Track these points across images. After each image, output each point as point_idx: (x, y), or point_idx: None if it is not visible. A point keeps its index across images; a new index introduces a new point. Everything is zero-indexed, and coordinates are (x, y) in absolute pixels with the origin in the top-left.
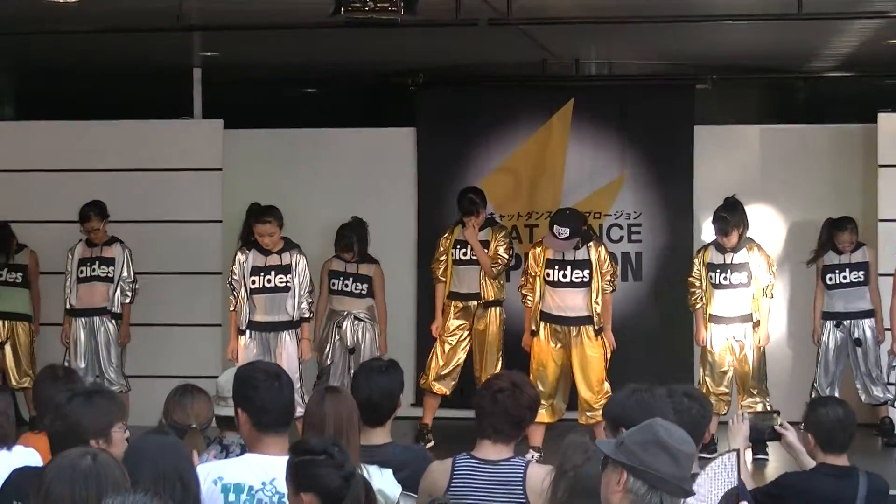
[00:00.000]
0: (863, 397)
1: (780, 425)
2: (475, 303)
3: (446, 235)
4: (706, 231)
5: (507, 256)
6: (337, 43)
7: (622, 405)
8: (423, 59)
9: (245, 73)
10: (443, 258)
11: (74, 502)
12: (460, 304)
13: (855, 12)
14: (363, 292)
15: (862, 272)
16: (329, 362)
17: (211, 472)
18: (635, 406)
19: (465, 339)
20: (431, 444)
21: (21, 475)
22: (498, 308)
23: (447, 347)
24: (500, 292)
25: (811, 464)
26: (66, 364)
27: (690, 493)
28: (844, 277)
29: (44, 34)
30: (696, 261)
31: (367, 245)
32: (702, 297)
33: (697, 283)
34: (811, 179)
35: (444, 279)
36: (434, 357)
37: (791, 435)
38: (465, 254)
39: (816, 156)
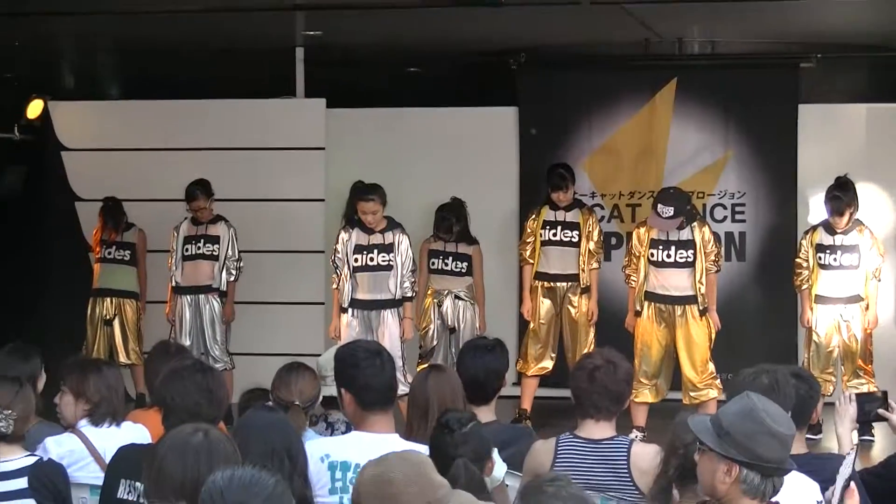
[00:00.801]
0: None
1: (883, 413)
2: (564, 284)
3: (533, 217)
4: (814, 211)
5: (601, 249)
6: (439, 22)
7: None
8: (525, 38)
9: (347, 53)
10: (530, 240)
11: (186, 478)
12: (548, 285)
13: None
14: (462, 271)
15: None
16: (432, 342)
17: (318, 449)
18: (761, 388)
19: (554, 319)
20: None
21: (127, 453)
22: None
23: (541, 329)
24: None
25: None
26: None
27: (792, 468)
28: None
29: (149, 14)
30: (804, 242)
31: (466, 225)
32: (808, 279)
33: (805, 264)
34: None
35: (531, 261)
36: (528, 340)
37: None
38: (554, 234)
39: None
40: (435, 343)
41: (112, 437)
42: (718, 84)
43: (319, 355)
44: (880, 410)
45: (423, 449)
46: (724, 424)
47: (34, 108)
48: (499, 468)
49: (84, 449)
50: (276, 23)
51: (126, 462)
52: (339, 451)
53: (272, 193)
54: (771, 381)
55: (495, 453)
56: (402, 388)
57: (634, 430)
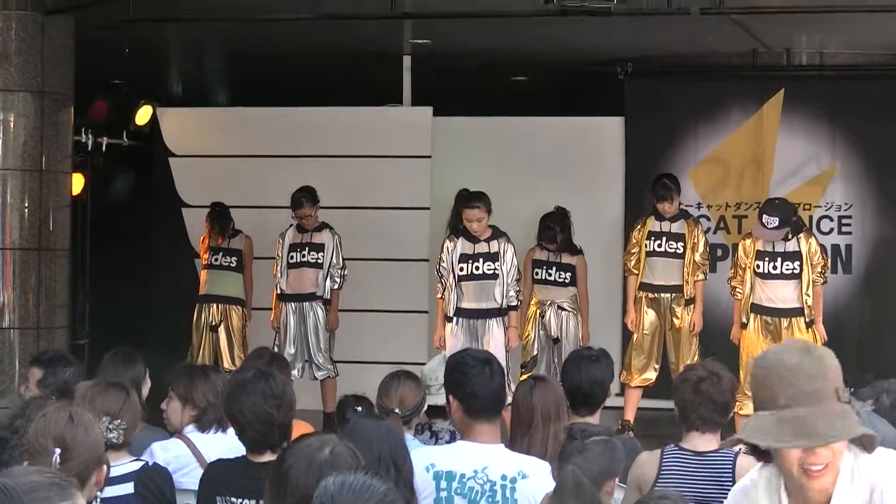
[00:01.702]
0: None
1: None
2: (668, 295)
3: (638, 227)
4: None
5: (706, 261)
6: (547, 31)
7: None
8: (632, 47)
9: (454, 61)
10: (634, 250)
11: (310, 493)
12: (652, 296)
13: None
14: (566, 281)
15: None
16: (534, 352)
17: (423, 458)
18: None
19: (659, 329)
20: None
21: (218, 469)
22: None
23: (644, 340)
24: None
25: None
26: (275, 348)
27: None
28: None
29: (258, 21)
30: None
31: (570, 235)
32: None
33: None
34: None
35: (636, 271)
36: (631, 351)
37: None
38: (658, 245)
39: None
40: (537, 353)
41: (219, 444)
42: (825, 95)
43: (423, 364)
44: None
45: (531, 462)
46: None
47: (143, 115)
48: (619, 492)
49: (190, 454)
50: (384, 31)
51: (219, 478)
52: (444, 461)
53: (378, 201)
54: (892, 401)
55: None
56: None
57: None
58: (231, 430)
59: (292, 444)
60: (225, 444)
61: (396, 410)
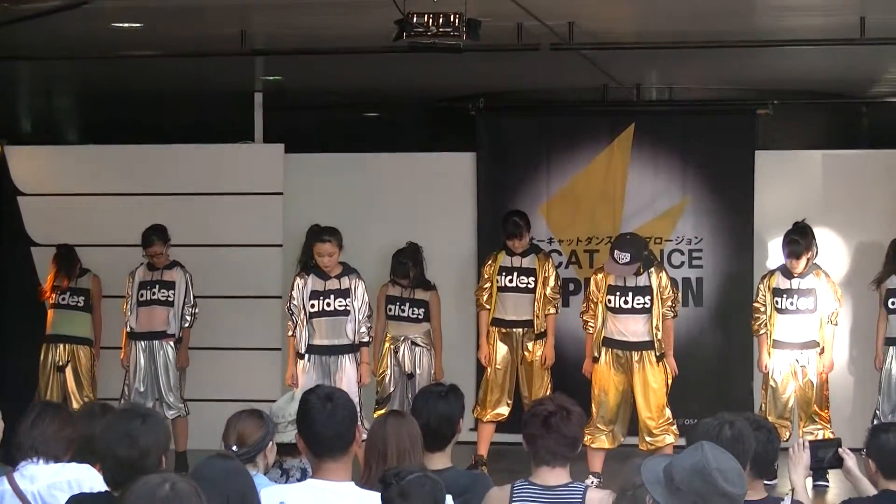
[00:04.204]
0: None
1: (841, 452)
2: (520, 330)
3: (490, 262)
4: (771, 256)
5: (558, 295)
6: (398, 67)
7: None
8: (484, 83)
9: (307, 98)
10: (486, 285)
11: None
12: (504, 331)
13: None
14: (420, 317)
15: None
16: (391, 389)
17: (273, 496)
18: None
19: (511, 364)
20: None
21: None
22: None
23: (497, 374)
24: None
25: (871, 491)
26: (125, 387)
27: None
28: None
29: (107, 59)
30: (761, 286)
31: (423, 270)
32: (766, 323)
33: (762, 309)
34: (873, 206)
35: (488, 306)
36: (484, 386)
37: (851, 461)
38: (510, 280)
39: (879, 181)
40: (392, 389)
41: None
42: (676, 130)
43: (275, 401)
44: (838, 454)
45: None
46: (676, 480)
47: None
48: None
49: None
50: (235, 68)
51: None
52: (293, 499)
53: (229, 239)
54: (734, 433)
55: (450, 500)
56: (363, 434)
57: (591, 476)
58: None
59: (136, 481)
60: (64, 474)
61: (234, 448)
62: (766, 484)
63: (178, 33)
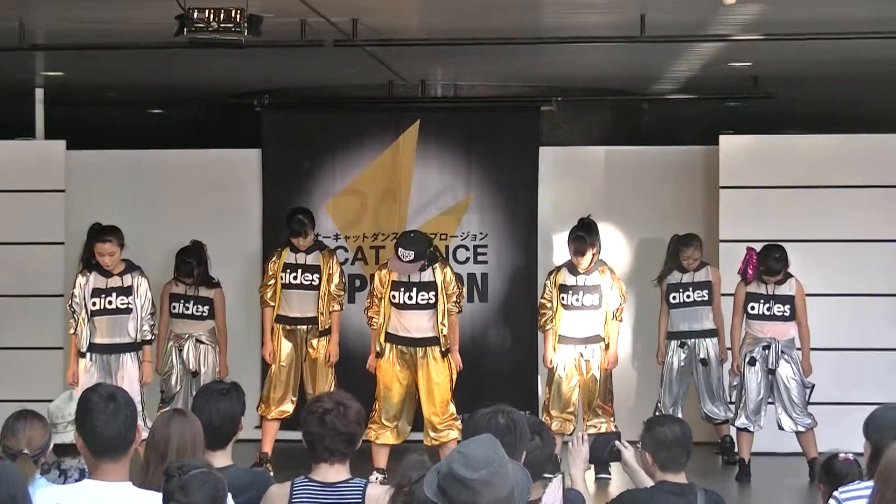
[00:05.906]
0: (705, 416)
1: (618, 445)
2: (304, 327)
3: (274, 259)
4: (556, 252)
5: (342, 292)
6: (182, 63)
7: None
8: (270, 80)
9: (90, 93)
10: (271, 282)
11: None
12: (289, 328)
13: (695, 35)
14: (204, 315)
15: (705, 291)
16: (177, 388)
17: (48, 498)
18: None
19: (296, 361)
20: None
21: None
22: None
23: (282, 372)
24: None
25: (648, 482)
26: None
27: None
28: (688, 297)
29: None
30: (548, 282)
31: (207, 268)
32: (552, 319)
33: (549, 305)
34: (656, 201)
35: (272, 303)
36: (269, 383)
37: (628, 454)
38: (294, 277)
39: (661, 177)
40: (178, 388)
41: None
42: (460, 127)
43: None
44: (615, 446)
45: (158, 499)
46: (437, 467)
47: None
48: None
49: None
50: (14, 62)
51: None
52: (70, 500)
53: (10, 237)
54: (507, 422)
55: (229, 499)
56: (143, 434)
57: (375, 472)
58: None
59: None
60: None
61: (26, 451)
62: (545, 476)
63: None
